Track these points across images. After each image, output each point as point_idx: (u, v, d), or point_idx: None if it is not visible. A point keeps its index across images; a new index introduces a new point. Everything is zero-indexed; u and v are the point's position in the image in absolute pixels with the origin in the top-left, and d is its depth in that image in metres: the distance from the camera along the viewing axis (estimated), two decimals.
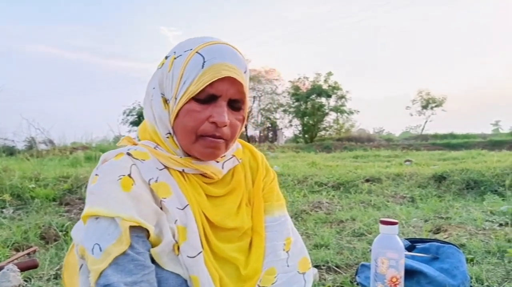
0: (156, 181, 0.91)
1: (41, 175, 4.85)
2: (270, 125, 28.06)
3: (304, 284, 0.98)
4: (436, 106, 28.83)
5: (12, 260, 1.70)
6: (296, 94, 25.93)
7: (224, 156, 1.01)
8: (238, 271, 0.96)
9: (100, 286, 0.80)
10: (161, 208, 0.90)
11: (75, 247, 0.91)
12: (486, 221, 3.39)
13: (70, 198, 4.29)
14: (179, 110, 0.91)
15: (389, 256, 1.60)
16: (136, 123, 24.48)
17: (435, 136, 25.53)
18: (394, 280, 1.59)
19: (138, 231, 0.85)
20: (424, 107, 29.07)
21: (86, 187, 4.46)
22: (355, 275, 2.15)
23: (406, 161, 9.00)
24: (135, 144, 1.00)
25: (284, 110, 26.93)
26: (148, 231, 0.86)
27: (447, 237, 2.91)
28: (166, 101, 0.95)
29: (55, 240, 3.04)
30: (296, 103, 26.08)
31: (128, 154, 0.93)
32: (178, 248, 0.89)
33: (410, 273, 1.85)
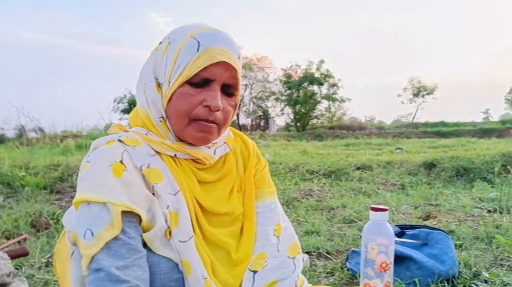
0: (148, 166, 0.91)
1: (31, 163, 4.82)
2: (262, 113, 28.03)
3: (294, 268, 0.99)
4: (427, 94, 29.01)
5: (2, 248, 1.69)
6: (288, 82, 25.89)
7: (216, 142, 1.01)
8: (229, 256, 0.97)
9: (92, 271, 0.80)
10: (153, 194, 0.90)
11: (67, 233, 0.91)
12: (475, 207, 3.44)
13: (61, 186, 4.27)
14: (173, 94, 0.91)
15: (379, 242, 1.61)
16: (127, 111, 24.35)
17: (426, 124, 25.72)
18: (384, 265, 1.61)
19: (130, 216, 0.85)
20: (415, 95, 29.23)
21: (77, 175, 4.44)
22: (346, 261, 2.17)
23: (397, 149, 9.07)
24: (126, 131, 1.00)
25: (276, 99, 26.90)
26: (139, 217, 0.87)
27: (436, 224, 2.95)
28: (159, 85, 0.95)
29: (46, 228, 3.03)
30: (288, 92, 26.05)
31: (120, 140, 0.92)
32: (170, 232, 0.89)
33: (399, 258, 1.88)
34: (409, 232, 2.18)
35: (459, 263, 2.03)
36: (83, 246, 0.82)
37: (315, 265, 2.24)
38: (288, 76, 26.23)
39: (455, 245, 2.17)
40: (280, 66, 31.06)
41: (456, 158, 5.47)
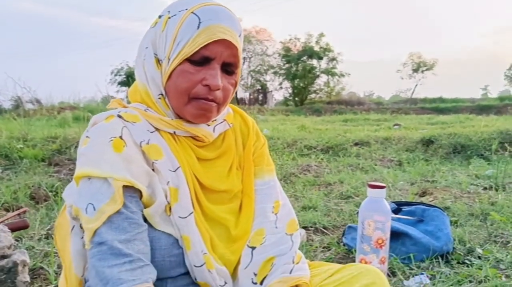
0: (148, 143, 0.91)
1: (29, 135, 4.82)
2: (260, 87, 27.88)
3: (291, 245, 1.00)
4: (426, 69, 28.87)
5: (3, 221, 1.71)
6: (287, 55, 25.68)
7: (215, 120, 1.00)
8: (228, 232, 0.97)
9: (95, 244, 0.81)
10: (152, 170, 0.90)
11: (67, 208, 0.92)
12: (471, 184, 3.47)
13: (59, 158, 4.27)
14: (172, 71, 0.90)
15: (376, 218, 1.64)
16: (124, 83, 24.17)
17: (424, 100, 25.69)
18: (380, 241, 1.64)
19: (131, 191, 0.85)
20: (415, 70, 29.09)
21: (75, 148, 4.47)
22: (342, 236, 2.20)
23: (395, 125, 9.08)
24: (125, 107, 0.99)
25: (275, 72, 26.73)
26: (140, 192, 0.87)
27: (432, 200, 2.98)
28: (158, 61, 0.93)
29: (45, 200, 3.05)
30: (287, 65, 25.87)
31: (119, 116, 0.92)
32: (170, 208, 0.90)
33: (395, 234, 1.91)
34: (405, 208, 2.21)
35: (454, 240, 2.06)
36: (85, 220, 0.83)
37: (312, 240, 2.27)
38: (287, 49, 25.99)
39: (450, 222, 2.20)
40: (279, 39, 30.74)
41: (454, 135, 5.49)
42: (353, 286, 0.92)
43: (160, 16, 0.95)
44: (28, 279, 1.58)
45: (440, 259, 1.90)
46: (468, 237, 2.14)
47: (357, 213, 2.07)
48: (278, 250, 0.97)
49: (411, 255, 1.90)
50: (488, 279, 1.69)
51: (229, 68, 0.93)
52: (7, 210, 2.77)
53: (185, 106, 0.92)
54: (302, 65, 25.22)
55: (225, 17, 0.90)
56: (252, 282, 0.94)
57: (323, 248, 2.16)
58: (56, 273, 1.79)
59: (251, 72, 27.40)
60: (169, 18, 0.91)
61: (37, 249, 2.05)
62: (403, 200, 2.88)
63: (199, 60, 0.89)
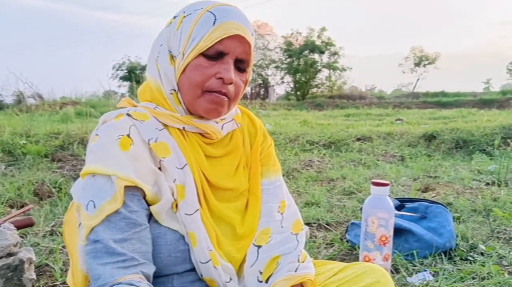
0: (156, 141, 0.92)
1: (31, 131, 4.83)
2: (261, 82, 27.84)
3: (296, 244, 1.01)
4: (428, 63, 28.76)
5: (8, 219, 1.72)
6: (289, 50, 25.61)
7: (224, 118, 1.02)
8: (234, 230, 0.99)
9: (91, 241, 0.82)
10: (159, 168, 0.92)
11: (75, 204, 0.93)
12: (474, 180, 3.47)
13: (62, 154, 4.29)
14: (187, 65, 0.92)
15: (379, 216, 1.64)
16: (126, 78, 24.17)
17: (427, 94, 25.60)
18: (383, 239, 1.65)
19: (134, 189, 0.86)
20: (417, 64, 28.99)
21: (78, 144, 4.47)
22: (345, 233, 2.21)
23: (397, 120, 9.07)
24: (135, 106, 1.01)
25: (276, 67, 26.68)
26: (144, 190, 0.88)
27: (435, 196, 2.98)
28: (172, 57, 0.96)
29: (49, 197, 3.07)
30: (289, 60, 25.81)
31: (128, 114, 0.94)
32: (177, 205, 0.91)
33: (398, 231, 1.91)
34: (408, 205, 2.21)
35: (457, 236, 2.07)
36: (84, 217, 0.84)
37: (315, 237, 2.28)
38: (289, 44, 25.92)
39: (453, 218, 2.20)
40: (280, 33, 30.65)
41: (456, 130, 5.48)
42: (358, 285, 0.94)
43: (175, 17, 0.98)
44: (34, 276, 1.59)
45: (443, 256, 1.91)
46: (471, 233, 2.15)
47: (360, 209, 2.07)
48: (283, 249, 0.98)
49: (414, 251, 1.90)
50: (491, 276, 1.69)
51: (241, 65, 0.96)
52: (11, 206, 2.78)
53: (197, 99, 0.94)
54: (303, 60, 25.17)
55: (239, 16, 0.94)
56: (258, 280, 0.95)
57: (327, 244, 2.17)
58: (61, 270, 1.80)
59: (253, 67, 27.31)
60: (184, 17, 0.95)
61: (42, 246, 2.06)
62: (406, 196, 2.88)
63: (214, 54, 0.92)
